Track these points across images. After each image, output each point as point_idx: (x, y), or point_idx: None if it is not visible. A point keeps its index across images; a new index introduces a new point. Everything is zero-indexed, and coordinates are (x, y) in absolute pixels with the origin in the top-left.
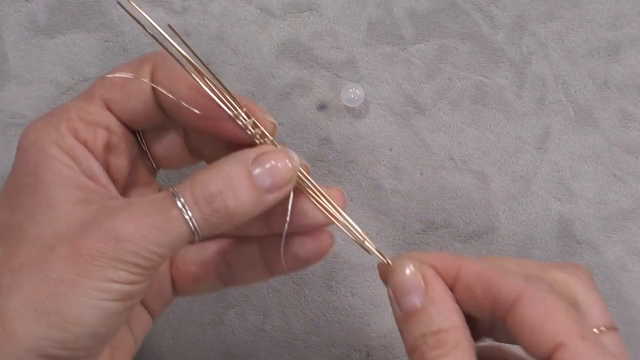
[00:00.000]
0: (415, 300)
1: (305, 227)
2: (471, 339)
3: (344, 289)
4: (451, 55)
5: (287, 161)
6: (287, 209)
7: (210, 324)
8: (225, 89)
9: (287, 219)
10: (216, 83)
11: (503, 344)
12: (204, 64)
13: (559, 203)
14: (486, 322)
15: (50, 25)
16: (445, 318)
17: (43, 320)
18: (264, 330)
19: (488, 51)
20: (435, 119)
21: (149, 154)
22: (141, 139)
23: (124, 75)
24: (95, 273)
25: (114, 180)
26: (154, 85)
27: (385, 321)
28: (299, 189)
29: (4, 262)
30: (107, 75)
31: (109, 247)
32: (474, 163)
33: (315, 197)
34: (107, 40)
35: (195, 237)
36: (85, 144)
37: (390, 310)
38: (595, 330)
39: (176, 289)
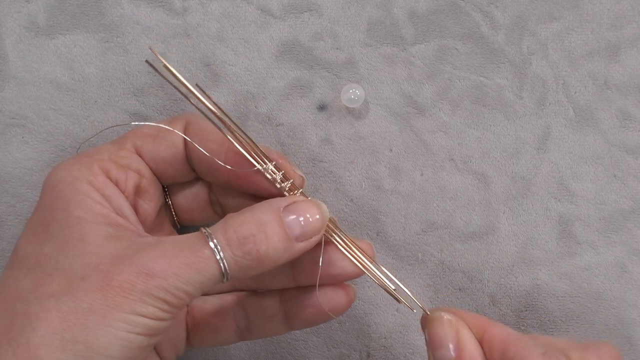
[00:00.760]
0: (449, 355)
1: (334, 277)
2: None
3: None
4: (451, 55)
5: (317, 211)
6: (316, 257)
7: None
8: (255, 144)
9: (320, 264)
10: (246, 138)
11: None
12: (232, 120)
13: (559, 203)
14: None
15: (50, 26)
16: None
17: (69, 348)
18: None
19: (488, 52)
20: (436, 120)
21: (172, 208)
22: (166, 194)
23: (157, 125)
24: (125, 305)
25: (141, 223)
26: (186, 137)
27: (385, 321)
28: (328, 240)
29: (32, 291)
30: (142, 124)
31: (140, 280)
32: (474, 163)
33: (346, 247)
34: (107, 41)
35: (224, 279)
36: (116, 184)
37: (391, 311)
38: None
39: (190, 339)
